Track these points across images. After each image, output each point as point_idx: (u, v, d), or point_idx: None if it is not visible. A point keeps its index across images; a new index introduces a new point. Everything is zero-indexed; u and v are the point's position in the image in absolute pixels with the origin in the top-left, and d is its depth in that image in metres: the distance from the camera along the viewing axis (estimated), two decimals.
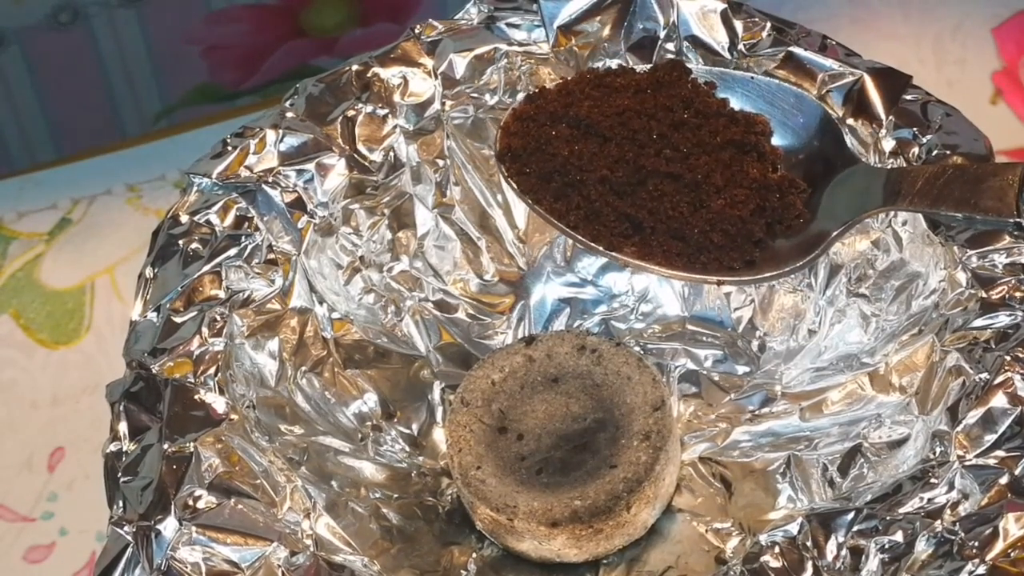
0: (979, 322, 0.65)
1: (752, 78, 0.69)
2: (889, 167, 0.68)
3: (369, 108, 0.73)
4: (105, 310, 0.84)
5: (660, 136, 0.67)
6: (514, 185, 0.68)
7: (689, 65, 0.70)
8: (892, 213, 0.69)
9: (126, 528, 0.63)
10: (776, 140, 0.68)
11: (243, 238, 0.70)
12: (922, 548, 0.60)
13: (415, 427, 0.73)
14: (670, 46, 0.73)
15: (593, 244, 0.66)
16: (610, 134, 0.67)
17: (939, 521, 0.60)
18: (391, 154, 0.73)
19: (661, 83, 0.68)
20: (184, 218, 0.70)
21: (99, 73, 0.97)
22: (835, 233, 0.65)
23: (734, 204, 0.65)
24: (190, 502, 0.62)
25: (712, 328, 0.74)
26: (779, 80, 0.70)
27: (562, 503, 0.67)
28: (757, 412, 0.72)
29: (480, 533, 0.70)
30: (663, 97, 0.68)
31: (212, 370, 0.66)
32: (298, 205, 0.71)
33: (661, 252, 0.66)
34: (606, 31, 0.73)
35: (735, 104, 0.68)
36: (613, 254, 0.66)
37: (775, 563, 0.62)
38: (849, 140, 0.69)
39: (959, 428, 0.62)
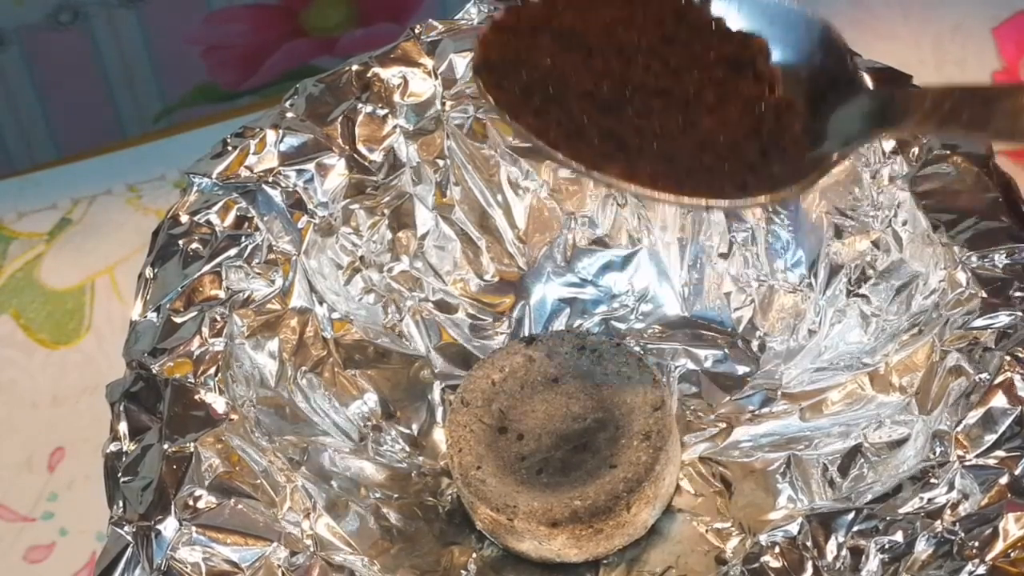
0: (979, 322, 0.65)
1: None
2: (894, 89, 0.66)
3: (369, 108, 0.73)
4: (105, 310, 0.84)
5: (649, 50, 0.63)
6: (491, 100, 0.64)
7: None
8: (892, 213, 0.69)
9: (126, 528, 0.63)
10: (775, 60, 0.64)
11: (243, 238, 0.70)
12: (922, 548, 0.60)
13: (415, 427, 0.73)
14: None
15: (574, 163, 0.63)
16: (595, 46, 0.63)
17: (939, 521, 0.60)
18: (391, 154, 0.73)
19: None
20: (184, 218, 0.70)
21: (99, 73, 0.97)
22: (835, 156, 0.62)
23: (726, 124, 0.62)
24: (190, 502, 0.62)
25: (712, 328, 0.74)
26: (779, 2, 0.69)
27: (562, 503, 0.67)
28: (757, 412, 0.72)
29: (480, 533, 0.70)
30: (653, 9, 0.64)
31: (212, 370, 0.66)
32: (298, 205, 0.71)
33: (647, 173, 0.62)
34: None
35: (731, 24, 0.65)
36: (595, 174, 0.63)
37: (775, 563, 0.62)
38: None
39: (959, 428, 0.62)
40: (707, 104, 0.62)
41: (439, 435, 0.73)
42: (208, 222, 0.70)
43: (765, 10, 0.65)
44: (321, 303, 0.72)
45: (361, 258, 0.73)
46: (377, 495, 0.70)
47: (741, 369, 0.73)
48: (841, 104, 0.63)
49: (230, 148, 0.72)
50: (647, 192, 0.62)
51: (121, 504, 0.63)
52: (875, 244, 0.70)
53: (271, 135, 0.72)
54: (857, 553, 0.61)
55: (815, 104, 0.63)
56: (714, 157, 0.62)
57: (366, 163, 0.72)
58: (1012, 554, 0.59)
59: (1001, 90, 0.59)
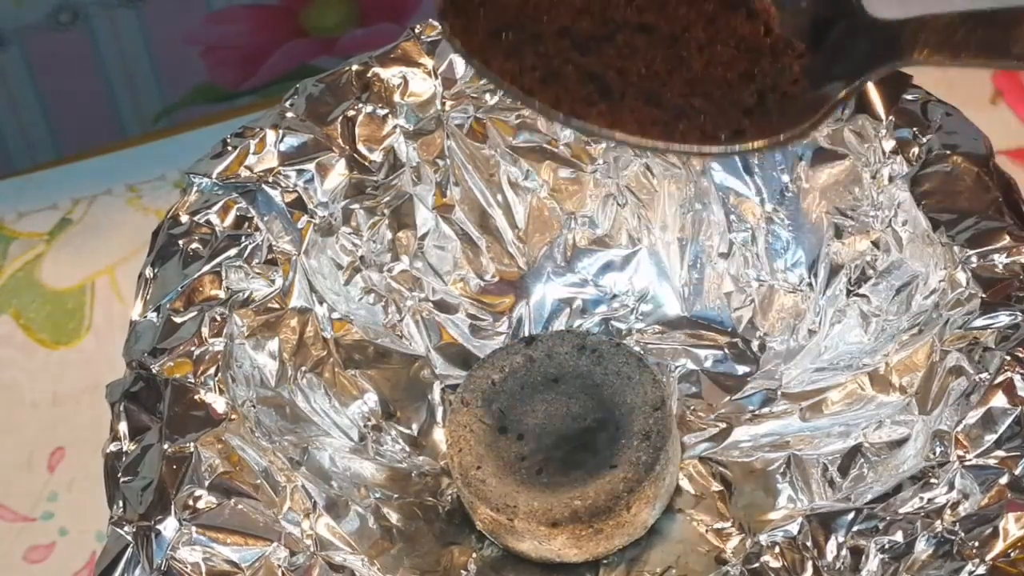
0: (979, 322, 0.65)
1: None
2: (902, 19, 0.60)
3: (369, 108, 0.73)
4: (105, 310, 0.84)
5: None
6: (458, 44, 0.59)
7: None
8: (892, 213, 0.69)
9: (126, 528, 0.63)
10: None
11: (243, 238, 0.70)
12: (922, 548, 0.60)
13: (415, 427, 0.73)
14: None
15: (552, 110, 0.58)
16: None
17: (939, 521, 0.60)
18: (391, 154, 0.73)
19: None
20: (184, 218, 0.70)
21: (99, 73, 0.97)
22: (840, 95, 0.58)
23: (718, 64, 0.58)
24: (190, 502, 0.62)
25: (712, 328, 0.74)
26: None
27: (562, 503, 0.67)
28: (757, 412, 0.72)
29: (480, 533, 0.70)
30: None
31: (212, 370, 0.66)
32: (298, 205, 0.71)
33: (633, 119, 0.58)
34: None
35: None
36: (576, 121, 0.58)
37: (775, 563, 0.62)
38: None
39: (959, 428, 0.62)
40: (697, 41, 0.58)
41: (439, 435, 0.73)
42: (208, 222, 0.70)
43: None
44: (321, 303, 0.72)
45: (361, 258, 0.73)
46: (377, 495, 0.70)
47: (741, 369, 0.73)
48: (843, 38, 0.59)
49: (230, 148, 0.72)
50: (633, 139, 0.58)
51: (121, 504, 0.63)
52: (875, 244, 0.70)
53: (271, 135, 0.72)
54: (857, 553, 0.61)
55: (814, 39, 0.59)
56: (706, 100, 0.58)
57: (366, 163, 0.72)
58: (1012, 554, 0.59)
59: (1021, 12, 0.54)
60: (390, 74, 0.73)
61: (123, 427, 0.65)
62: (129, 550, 0.63)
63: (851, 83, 0.58)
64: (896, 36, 0.57)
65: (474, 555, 0.70)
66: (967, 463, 0.61)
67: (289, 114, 0.72)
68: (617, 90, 0.58)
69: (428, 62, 0.73)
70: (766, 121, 0.58)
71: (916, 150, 0.69)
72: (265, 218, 0.70)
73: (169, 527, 0.62)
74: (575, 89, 0.58)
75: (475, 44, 0.59)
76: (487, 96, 0.74)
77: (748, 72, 0.58)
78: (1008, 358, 0.63)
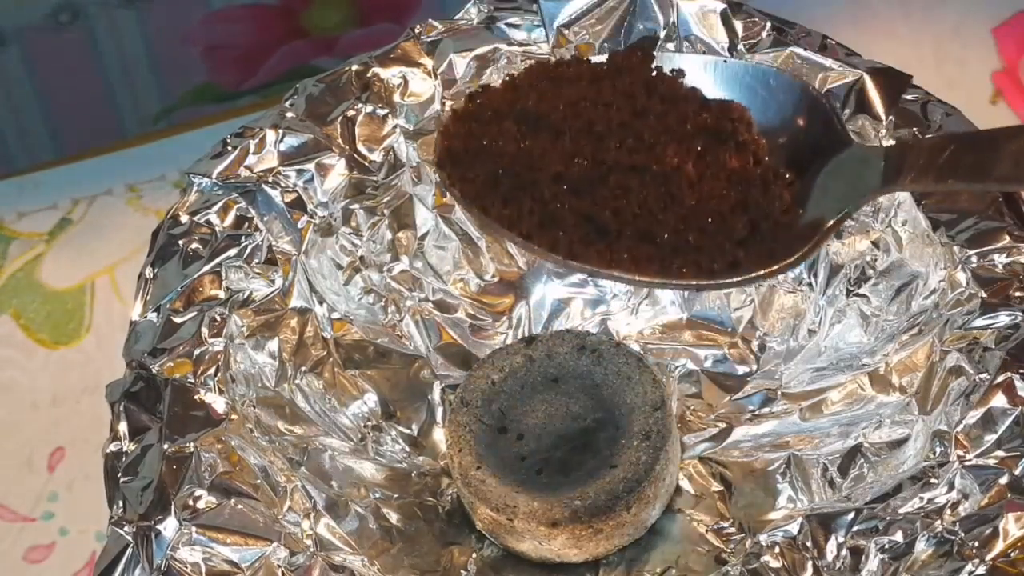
0: (979, 322, 0.65)
1: (725, 61, 0.63)
2: (887, 145, 0.63)
3: (369, 108, 0.73)
4: (105, 310, 0.84)
5: (621, 125, 0.59)
6: (457, 193, 0.61)
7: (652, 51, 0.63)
8: (892, 213, 0.69)
9: (126, 528, 0.63)
10: (758, 127, 0.61)
11: (243, 238, 0.70)
12: (922, 548, 0.60)
13: (415, 427, 0.73)
14: (670, 46, 0.73)
15: (551, 254, 0.59)
16: (562, 127, 0.60)
17: (939, 521, 0.60)
18: (391, 154, 0.73)
19: (620, 70, 0.61)
20: (184, 218, 0.70)
21: (99, 73, 0.97)
22: (832, 222, 0.59)
23: (710, 198, 0.58)
24: (190, 502, 0.62)
25: (712, 328, 0.74)
26: (755, 62, 0.68)
27: (562, 503, 0.67)
28: (757, 412, 0.72)
29: (480, 533, 0.70)
30: (622, 84, 0.61)
31: (212, 370, 0.67)
32: (298, 205, 0.71)
33: (629, 257, 0.59)
34: (606, 31, 0.73)
35: (707, 93, 0.62)
36: (574, 263, 0.59)
37: (775, 563, 0.62)
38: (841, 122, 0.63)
39: (959, 428, 0.62)
40: (688, 178, 0.59)
41: (439, 435, 0.73)
42: (208, 222, 0.70)
43: (741, 75, 0.63)
44: (321, 303, 0.72)
45: (361, 258, 0.73)
46: (377, 495, 0.70)
47: (741, 369, 0.73)
48: (831, 166, 0.60)
49: (230, 148, 0.72)
50: (631, 277, 0.59)
51: (121, 504, 0.63)
52: (875, 244, 0.70)
53: (271, 135, 0.72)
54: (857, 553, 0.61)
55: (803, 168, 0.60)
56: (700, 234, 0.58)
57: (366, 163, 0.72)
58: (1012, 554, 0.59)
59: (1001, 133, 0.56)
60: (390, 74, 0.73)
61: (123, 427, 0.65)
62: (129, 550, 0.63)
63: (842, 210, 0.59)
64: (884, 163, 0.58)
65: (474, 555, 0.70)
66: (967, 463, 0.61)
67: (289, 114, 0.72)
68: (612, 230, 0.59)
69: (428, 62, 0.73)
70: (760, 250, 0.59)
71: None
72: (265, 218, 0.70)
73: (169, 527, 0.62)
74: (572, 231, 0.59)
75: (473, 192, 0.61)
76: None
77: (740, 203, 0.59)
78: (1008, 358, 0.63)
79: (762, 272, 0.59)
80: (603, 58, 0.63)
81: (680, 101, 0.61)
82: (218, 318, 0.68)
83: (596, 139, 0.60)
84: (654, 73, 0.62)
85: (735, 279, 0.59)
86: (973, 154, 0.56)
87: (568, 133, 0.60)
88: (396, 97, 0.73)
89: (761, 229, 0.59)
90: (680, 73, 0.62)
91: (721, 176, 0.59)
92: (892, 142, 0.69)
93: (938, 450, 0.62)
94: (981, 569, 0.59)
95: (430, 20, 0.74)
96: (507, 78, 0.63)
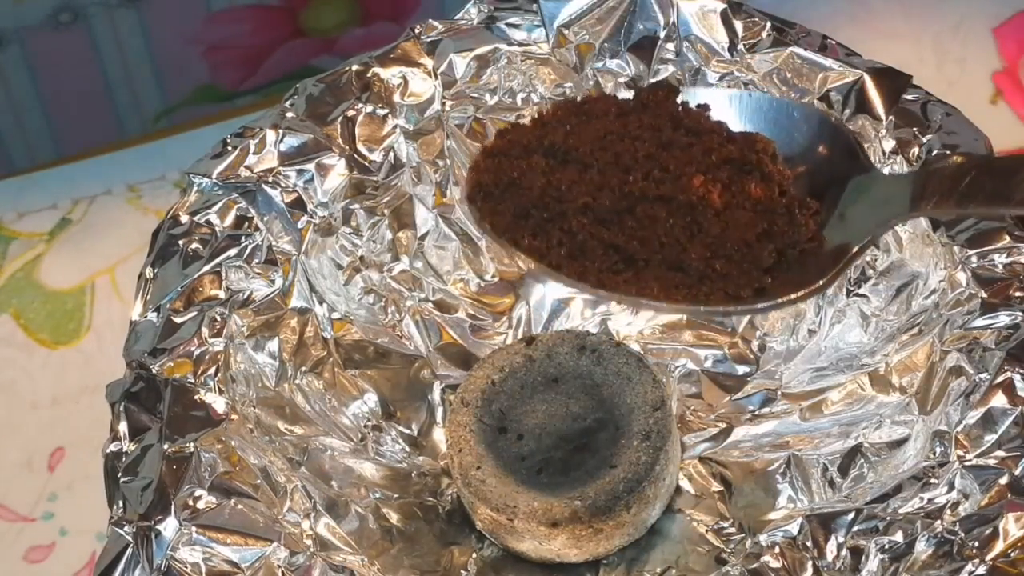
0: (979, 322, 0.65)
1: (750, 95, 0.65)
2: (909, 171, 0.65)
3: (369, 108, 0.73)
4: (105, 310, 0.84)
5: (647, 157, 0.61)
6: (488, 227, 0.62)
7: (678, 86, 0.65)
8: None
9: (126, 528, 0.63)
10: (783, 158, 0.62)
11: (243, 238, 0.70)
12: (922, 548, 0.60)
13: (415, 427, 0.73)
14: (670, 46, 0.73)
15: (580, 283, 0.61)
16: (590, 160, 0.61)
17: (939, 521, 0.60)
18: (391, 154, 0.73)
19: (646, 105, 0.63)
20: (184, 218, 0.70)
21: (99, 73, 0.97)
22: (858, 247, 0.60)
23: (736, 227, 0.60)
24: (190, 502, 0.62)
25: (712, 328, 0.74)
26: (778, 95, 0.69)
27: (562, 503, 0.67)
28: (757, 412, 0.72)
29: (480, 533, 0.70)
30: (648, 118, 0.62)
31: (212, 370, 0.67)
32: (298, 205, 0.71)
33: (658, 285, 0.60)
34: (606, 31, 0.73)
35: (732, 126, 0.63)
36: (602, 292, 0.60)
37: (775, 563, 0.62)
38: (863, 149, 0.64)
39: (959, 428, 0.62)
40: (713, 208, 0.60)
41: (439, 435, 0.73)
42: (208, 222, 0.70)
43: (765, 108, 0.64)
44: (321, 303, 0.72)
45: (361, 258, 0.73)
46: (377, 495, 0.70)
47: (741, 369, 0.73)
48: (852, 192, 0.61)
49: (230, 148, 0.72)
50: (660, 305, 0.60)
51: (121, 504, 0.63)
52: (875, 244, 0.70)
53: (271, 135, 0.72)
54: (857, 553, 0.61)
55: (824, 194, 0.61)
56: (726, 262, 0.60)
57: (366, 163, 0.72)
58: (1012, 554, 0.59)
59: (1021, 160, 0.57)
60: (390, 74, 0.73)
61: (123, 427, 0.65)
62: (129, 550, 0.63)
63: (867, 235, 0.60)
64: (905, 189, 0.59)
65: (474, 555, 0.70)
66: (967, 463, 0.61)
67: (289, 114, 0.72)
68: (640, 259, 0.60)
69: (428, 62, 0.73)
70: (787, 277, 0.60)
71: (916, 150, 0.69)
72: (265, 218, 0.70)
73: (169, 527, 0.62)
74: (600, 260, 0.60)
75: (503, 225, 0.62)
76: (487, 96, 0.74)
77: (766, 232, 0.60)
78: (1008, 358, 0.63)
79: (790, 297, 0.60)
80: (629, 94, 0.64)
81: (705, 133, 0.62)
82: (218, 318, 0.68)
83: (623, 171, 0.61)
84: (680, 107, 0.63)
85: (762, 304, 0.60)
86: (993, 180, 0.56)
87: (595, 165, 0.61)
88: (396, 97, 0.73)
89: (787, 257, 0.60)
90: (706, 107, 0.63)
91: (747, 206, 0.60)
92: (893, 142, 0.69)
93: (938, 450, 0.62)
94: (981, 569, 0.59)
95: (430, 20, 0.74)
96: (535, 115, 0.64)
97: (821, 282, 0.60)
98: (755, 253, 0.60)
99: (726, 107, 0.64)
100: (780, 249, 0.60)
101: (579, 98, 0.65)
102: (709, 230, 0.60)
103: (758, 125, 0.63)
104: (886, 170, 0.69)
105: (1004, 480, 0.60)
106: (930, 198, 0.58)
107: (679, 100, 0.63)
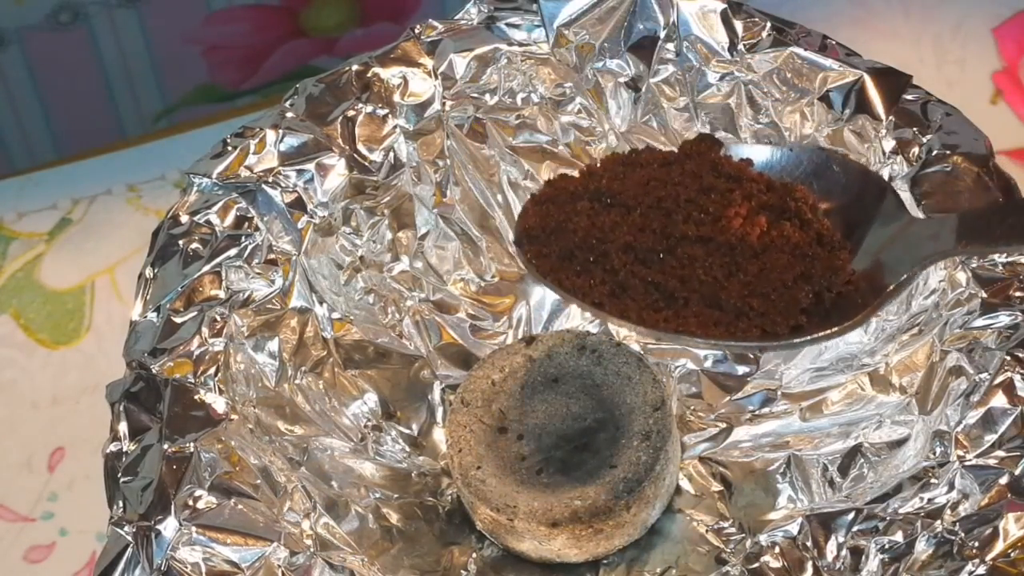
0: (979, 322, 0.65)
1: (791, 150, 0.67)
2: (949, 214, 0.65)
3: (369, 108, 0.73)
4: (105, 310, 0.84)
5: (688, 201, 0.63)
6: (534, 268, 0.65)
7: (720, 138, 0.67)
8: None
9: (126, 528, 0.63)
10: (822, 205, 0.65)
11: (243, 238, 0.70)
12: (922, 548, 0.60)
13: (415, 427, 0.73)
14: (670, 46, 0.73)
15: (622, 320, 0.63)
16: (633, 204, 0.64)
17: (939, 521, 0.60)
18: (391, 154, 0.73)
19: (689, 155, 0.65)
20: (184, 218, 0.70)
21: (99, 73, 0.97)
22: (895, 285, 0.62)
23: (774, 269, 0.62)
24: (190, 502, 0.62)
25: None
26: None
27: (562, 503, 0.67)
28: (757, 412, 0.72)
29: (480, 533, 0.70)
30: (691, 165, 0.65)
31: (212, 370, 0.66)
32: (298, 205, 0.71)
33: (696, 322, 0.62)
34: (606, 31, 0.73)
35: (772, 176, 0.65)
36: (642, 328, 0.63)
37: (775, 563, 0.62)
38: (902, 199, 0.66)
39: (959, 428, 0.62)
40: (752, 248, 0.62)
41: (439, 435, 0.73)
42: (208, 222, 0.70)
43: (804, 163, 0.66)
44: (321, 303, 0.72)
45: (361, 258, 0.73)
46: (377, 495, 0.70)
47: (741, 369, 0.73)
48: (885, 233, 0.63)
49: (230, 148, 0.72)
50: (700, 341, 0.63)
51: (121, 504, 0.63)
52: None
53: (271, 135, 0.72)
54: (857, 553, 0.61)
55: (861, 237, 0.64)
56: (763, 301, 0.62)
57: (366, 163, 0.72)
58: (1012, 554, 0.59)
59: None
60: (390, 74, 0.73)
61: (123, 427, 0.65)
62: (129, 550, 0.63)
63: (902, 275, 0.62)
64: (937, 232, 0.61)
65: (474, 555, 0.70)
66: (967, 463, 0.61)
67: (289, 114, 0.72)
68: (680, 296, 0.63)
69: (428, 62, 0.73)
70: (822, 315, 0.62)
71: (916, 150, 0.69)
72: (265, 218, 0.70)
73: (169, 527, 0.62)
74: (641, 298, 0.63)
75: (548, 267, 0.65)
76: (487, 96, 0.74)
77: (803, 275, 0.62)
78: (1008, 358, 0.63)
79: (825, 333, 0.62)
80: (674, 149, 0.67)
81: (746, 181, 0.64)
82: (218, 318, 0.68)
83: (664, 214, 0.63)
84: (721, 156, 0.65)
85: (798, 340, 0.62)
86: (1019, 219, 0.60)
87: (638, 208, 0.64)
88: (396, 97, 0.73)
89: (824, 299, 0.62)
90: (748, 162, 0.65)
91: (785, 249, 0.62)
92: (893, 142, 0.69)
93: (938, 450, 0.62)
94: (981, 569, 0.59)
95: (430, 20, 0.74)
96: (584, 168, 0.67)
97: (856, 319, 0.62)
98: (792, 294, 0.62)
99: (766, 160, 0.66)
100: (817, 291, 0.62)
101: (626, 151, 0.67)
102: (747, 269, 0.62)
103: (796, 179, 0.65)
104: (885, 171, 0.69)
105: (1004, 480, 0.60)
106: (961, 239, 0.60)
107: (722, 153, 0.65)
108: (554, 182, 0.67)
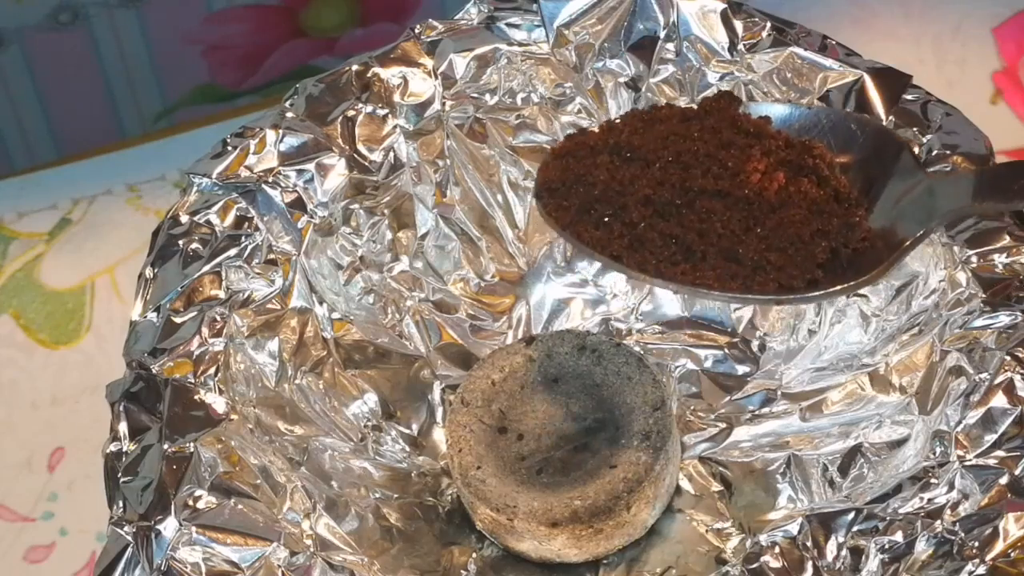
0: (979, 322, 0.65)
1: (808, 108, 0.67)
2: (967, 170, 0.67)
3: (369, 108, 0.73)
4: (105, 310, 0.84)
5: (707, 156, 0.64)
6: (553, 221, 0.65)
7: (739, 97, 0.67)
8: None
9: (126, 528, 0.63)
10: (839, 162, 0.65)
11: (243, 238, 0.70)
12: (922, 548, 0.60)
13: (415, 427, 0.73)
14: (670, 46, 0.73)
15: (640, 273, 0.64)
16: (652, 158, 0.64)
17: (939, 521, 0.60)
18: (391, 154, 0.73)
19: (709, 111, 0.66)
20: (184, 218, 0.70)
21: (99, 73, 0.97)
22: (912, 239, 0.63)
23: (791, 223, 0.63)
24: (190, 502, 0.62)
25: (712, 328, 0.74)
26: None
27: (562, 503, 0.67)
28: (757, 412, 0.72)
29: (480, 533, 0.70)
30: (711, 121, 0.65)
31: (212, 370, 0.67)
32: (298, 205, 0.71)
33: (714, 275, 0.63)
34: (606, 31, 0.73)
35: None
36: (662, 281, 0.63)
37: (775, 563, 0.62)
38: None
39: (959, 428, 0.62)
40: (769, 203, 0.63)
41: (439, 435, 0.73)
42: (208, 222, 0.70)
43: (823, 120, 0.66)
44: (321, 303, 0.72)
45: (361, 258, 0.73)
46: (377, 495, 0.70)
47: (741, 369, 0.73)
48: (901, 189, 0.64)
49: (230, 148, 0.72)
50: (716, 294, 0.63)
51: (121, 504, 0.63)
52: None
53: (271, 135, 0.72)
54: (857, 553, 0.61)
55: (878, 193, 0.64)
56: (781, 255, 0.62)
57: (366, 163, 0.72)
58: (1012, 554, 0.59)
59: None
60: (390, 74, 0.73)
61: (123, 427, 0.65)
62: (129, 550, 0.63)
63: (919, 230, 0.63)
64: (953, 190, 0.63)
65: (474, 555, 0.70)
66: (967, 463, 0.61)
67: (289, 114, 0.72)
68: (698, 250, 0.63)
69: (428, 62, 0.73)
70: (838, 270, 0.63)
71: (916, 150, 0.69)
72: (265, 218, 0.70)
73: (169, 527, 0.62)
74: (659, 251, 0.63)
75: (567, 219, 0.65)
76: (487, 96, 0.74)
77: (820, 231, 0.63)
78: (1008, 358, 0.63)
79: (840, 287, 0.63)
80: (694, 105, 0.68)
81: (765, 137, 0.64)
82: (218, 318, 0.68)
83: (683, 167, 0.64)
84: (741, 114, 0.65)
85: (814, 294, 0.63)
86: None
87: (657, 162, 0.64)
88: (396, 97, 0.73)
89: (840, 254, 0.63)
90: (767, 119, 0.66)
91: (803, 204, 0.63)
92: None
93: (938, 450, 0.62)
94: (981, 569, 0.59)
95: (430, 20, 0.74)
96: (604, 122, 0.67)
97: (871, 274, 0.63)
98: (809, 249, 0.62)
99: (785, 119, 0.66)
100: (834, 247, 0.63)
101: (646, 107, 0.68)
102: (764, 224, 0.62)
103: (814, 136, 0.66)
104: None
105: (1004, 480, 0.60)
106: (978, 195, 0.61)
107: (741, 111, 0.66)
108: (574, 136, 0.67)
